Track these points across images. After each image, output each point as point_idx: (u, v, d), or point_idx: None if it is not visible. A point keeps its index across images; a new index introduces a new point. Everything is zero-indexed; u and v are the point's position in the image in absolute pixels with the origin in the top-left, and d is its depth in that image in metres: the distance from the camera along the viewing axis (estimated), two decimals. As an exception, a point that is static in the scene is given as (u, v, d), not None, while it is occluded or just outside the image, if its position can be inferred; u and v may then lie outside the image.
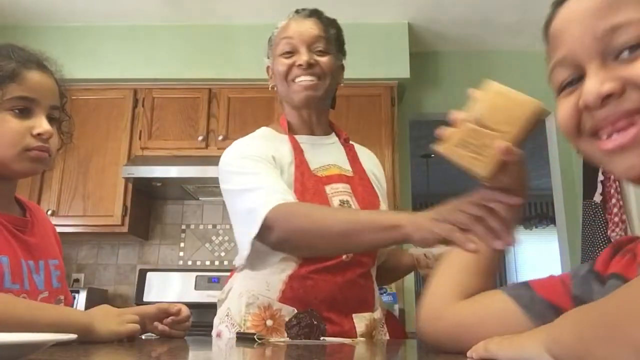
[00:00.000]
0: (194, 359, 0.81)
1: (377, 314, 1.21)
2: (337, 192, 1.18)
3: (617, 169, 0.55)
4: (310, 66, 1.19)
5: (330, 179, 1.20)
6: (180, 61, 3.28)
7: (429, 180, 6.66)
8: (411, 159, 3.66)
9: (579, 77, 0.57)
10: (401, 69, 3.25)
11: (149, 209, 3.41)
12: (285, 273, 1.14)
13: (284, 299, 1.12)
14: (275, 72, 1.24)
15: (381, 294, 2.98)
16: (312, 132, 1.28)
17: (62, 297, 1.01)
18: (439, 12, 3.26)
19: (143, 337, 1.02)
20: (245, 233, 1.03)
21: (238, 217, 1.10)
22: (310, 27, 1.23)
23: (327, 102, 1.30)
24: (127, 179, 3.05)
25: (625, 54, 0.53)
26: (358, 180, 1.25)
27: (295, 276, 1.13)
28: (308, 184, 1.16)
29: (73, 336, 0.60)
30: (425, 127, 5.17)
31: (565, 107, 0.58)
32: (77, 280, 3.28)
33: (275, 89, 1.28)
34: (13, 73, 0.91)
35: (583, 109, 0.55)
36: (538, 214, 8.15)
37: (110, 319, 0.88)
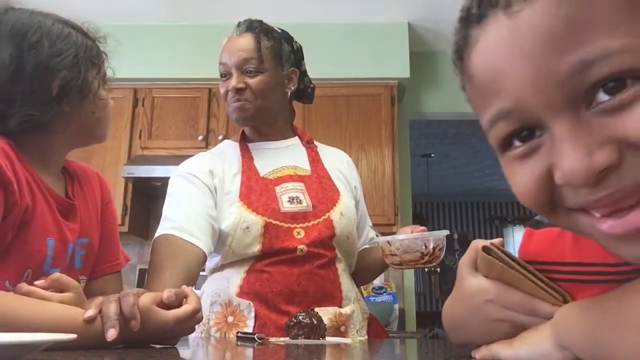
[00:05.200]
0: (193, 358, 0.81)
1: (347, 310, 1.20)
2: (287, 190, 1.24)
3: (629, 256, 0.39)
4: (238, 91, 1.24)
5: (281, 180, 1.25)
6: (180, 61, 3.28)
7: (429, 180, 6.66)
8: (411, 159, 3.67)
9: (531, 127, 0.40)
10: (401, 69, 3.25)
11: (149, 208, 3.41)
12: (244, 268, 1.18)
13: (242, 293, 1.17)
14: None
15: (381, 293, 2.98)
16: (266, 139, 1.33)
17: (83, 278, 0.99)
18: (439, 12, 3.25)
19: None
20: None
21: None
22: (240, 50, 1.25)
23: (275, 112, 1.33)
24: (127, 179, 3.05)
25: (603, 97, 0.36)
26: (315, 178, 1.29)
27: (252, 270, 1.17)
28: (255, 186, 1.22)
29: (73, 336, 0.60)
30: (425, 127, 5.19)
31: (525, 179, 0.41)
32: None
33: None
34: (101, 51, 1.02)
35: (562, 185, 0.39)
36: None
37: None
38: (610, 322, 0.38)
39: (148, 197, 3.34)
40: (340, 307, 1.20)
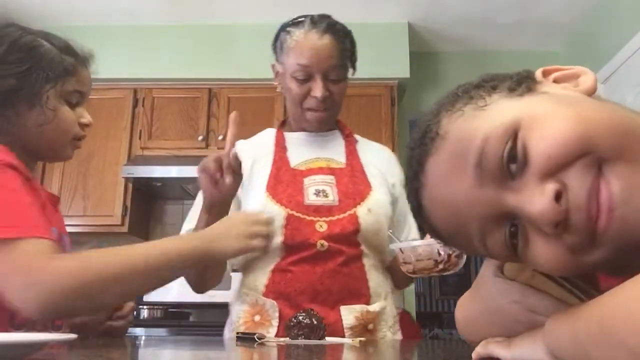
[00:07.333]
0: (193, 358, 0.81)
1: (376, 307, 1.18)
2: (314, 183, 1.23)
3: None
4: (325, 99, 1.22)
5: (311, 172, 1.25)
6: (180, 61, 3.28)
7: (429, 180, 6.66)
8: (411, 159, 3.66)
9: (506, 220, 0.47)
10: (401, 69, 3.25)
11: (149, 209, 3.41)
12: (269, 267, 1.18)
13: (267, 292, 1.16)
14: (286, 89, 1.26)
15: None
16: (308, 130, 1.31)
17: None
18: (439, 12, 3.26)
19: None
20: None
21: None
22: (330, 55, 1.20)
23: None
24: (127, 179, 3.05)
25: (512, 168, 0.45)
26: (348, 171, 1.27)
27: (277, 269, 1.17)
28: (283, 177, 1.22)
29: (73, 336, 0.60)
30: (425, 127, 5.19)
31: (544, 256, 0.46)
32: (77, 280, 3.28)
33: (279, 90, 1.31)
34: (73, 68, 0.99)
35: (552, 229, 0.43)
36: (538, 214, 8.14)
37: (231, 234, 0.99)
38: (594, 333, 0.39)
39: (148, 197, 3.34)
40: (368, 304, 1.18)
